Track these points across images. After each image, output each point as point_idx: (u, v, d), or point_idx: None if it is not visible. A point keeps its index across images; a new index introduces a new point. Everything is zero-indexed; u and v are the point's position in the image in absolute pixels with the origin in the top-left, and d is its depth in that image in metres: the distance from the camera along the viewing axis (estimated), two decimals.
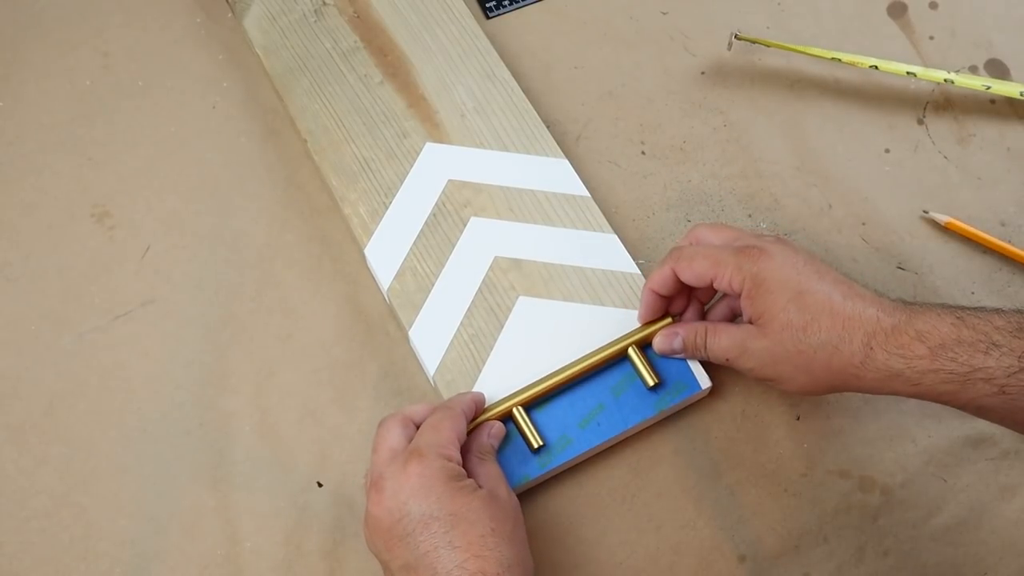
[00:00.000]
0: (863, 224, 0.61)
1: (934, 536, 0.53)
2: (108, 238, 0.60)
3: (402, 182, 0.59)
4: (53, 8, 0.67)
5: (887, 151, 0.64)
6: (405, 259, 0.57)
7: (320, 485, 0.54)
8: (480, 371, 0.54)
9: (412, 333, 0.55)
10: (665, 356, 0.53)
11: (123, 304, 0.58)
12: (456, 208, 0.58)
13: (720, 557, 0.52)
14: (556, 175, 0.59)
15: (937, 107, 0.65)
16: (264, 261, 0.60)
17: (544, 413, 0.53)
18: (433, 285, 0.56)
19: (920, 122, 0.65)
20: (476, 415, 0.51)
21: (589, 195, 0.59)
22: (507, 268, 0.56)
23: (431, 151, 0.59)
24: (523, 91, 0.62)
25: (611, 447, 0.54)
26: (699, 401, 0.56)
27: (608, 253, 0.57)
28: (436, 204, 0.58)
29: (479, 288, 0.56)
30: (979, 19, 0.68)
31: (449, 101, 0.61)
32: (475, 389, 0.53)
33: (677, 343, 0.52)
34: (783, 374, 0.49)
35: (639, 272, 0.57)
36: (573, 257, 0.57)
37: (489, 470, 0.49)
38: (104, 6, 0.67)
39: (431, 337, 0.55)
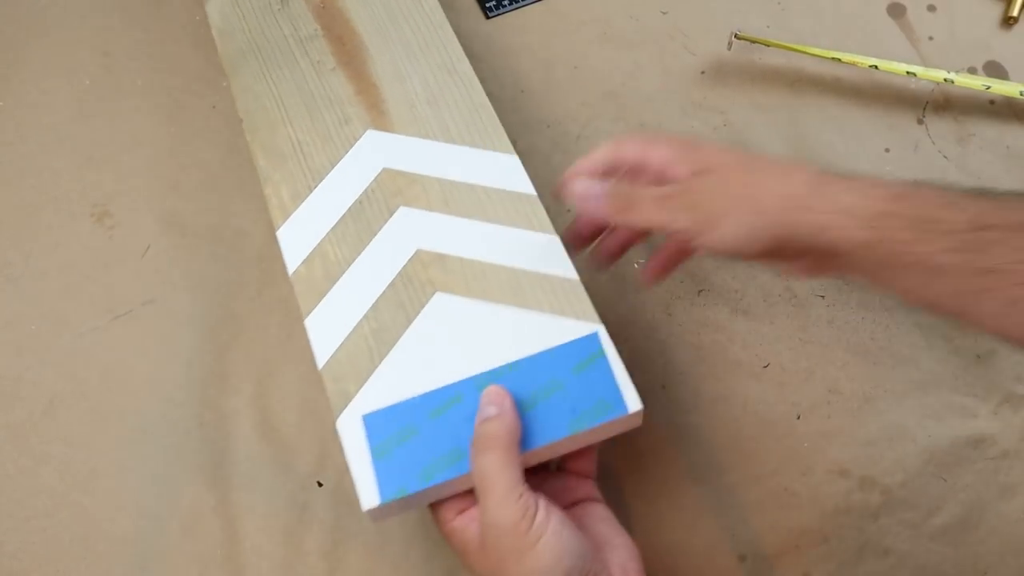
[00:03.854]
0: None
1: (934, 536, 0.53)
2: (108, 238, 0.60)
3: (333, 167, 0.55)
4: (53, 8, 0.67)
5: (887, 151, 0.64)
6: (319, 244, 0.52)
7: (320, 485, 0.54)
8: (375, 369, 0.48)
9: (308, 322, 0.50)
10: (581, 210, 0.47)
11: (123, 304, 0.58)
12: (385, 196, 0.54)
13: (720, 557, 0.52)
14: (502, 170, 0.54)
15: (937, 107, 0.65)
16: (264, 261, 0.60)
17: (443, 421, 0.47)
18: (343, 273, 0.51)
19: (920, 122, 0.65)
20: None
21: (535, 193, 0.53)
22: (429, 262, 0.51)
23: (371, 139, 0.56)
24: (520, 90, 0.62)
25: (611, 447, 0.54)
26: (699, 401, 0.56)
27: (547, 255, 0.51)
28: (365, 191, 0.54)
29: (393, 280, 0.51)
30: (977, 21, 0.68)
31: (401, 91, 0.58)
32: (365, 388, 0.47)
33: (597, 188, 0.46)
34: (726, 210, 0.42)
35: (577, 278, 0.50)
36: (505, 257, 0.51)
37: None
38: (104, 6, 0.68)
39: (329, 328, 0.50)
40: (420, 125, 0.57)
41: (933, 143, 0.64)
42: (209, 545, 0.52)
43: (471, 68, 0.59)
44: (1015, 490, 0.54)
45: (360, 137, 0.56)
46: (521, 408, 0.46)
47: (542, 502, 0.41)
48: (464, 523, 0.43)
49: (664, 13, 0.68)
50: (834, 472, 0.54)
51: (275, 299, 0.59)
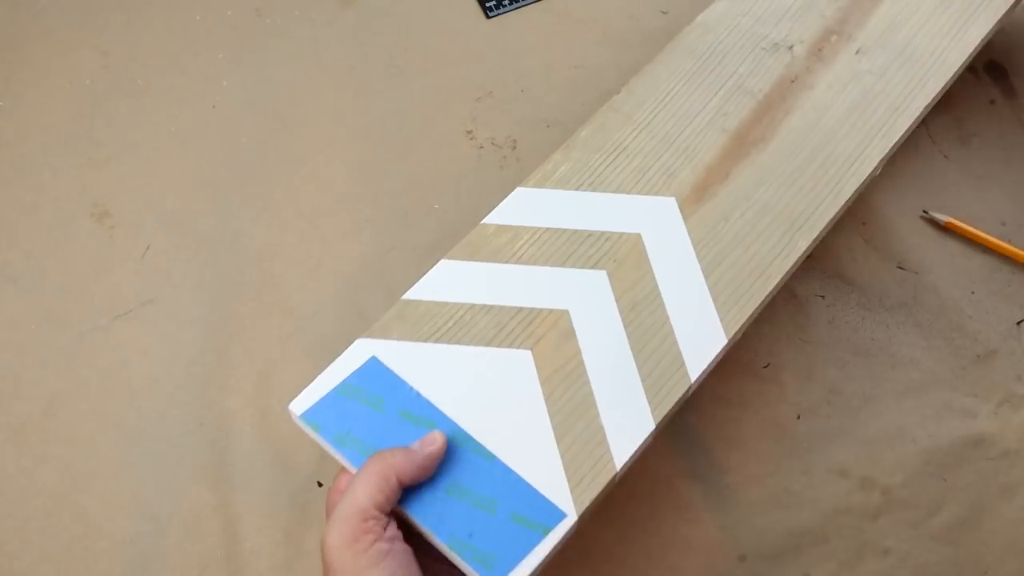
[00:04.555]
0: (863, 224, 0.61)
1: (934, 536, 0.53)
2: (108, 238, 0.60)
3: (617, 192, 0.52)
4: (53, 8, 0.67)
5: None
6: (524, 227, 0.51)
7: (320, 485, 0.54)
8: (423, 342, 0.47)
9: (443, 262, 0.50)
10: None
11: (123, 304, 0.58)
12: (605, 253, 0.50)
13: (720, 557, 0.52)
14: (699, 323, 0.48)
15: (937, 107, 0.65)
16: (264, 261, 0.60)
17: (400, 423, 0.47)
18: (503, 262, 0.50)
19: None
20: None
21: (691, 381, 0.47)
22: (557, 327, 0.48)
23: (658, 208, 0.52)
24: (520, 90, 0.62)
25: None
26: (699, 401, 0.56)
27: (630, 423, 0.47)
28: (603, 233, 0.51)
29: (521, 307, 0.49)
30: None
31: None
32: (400, 343, 0.47)
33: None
34: None
35: (617, 469, 0.45)
36: (604, 385, 0.47)
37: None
38: (104, 6, 0.68)
39: (442, 283, 0.49)
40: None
41: (933, 143, 0.64)
42: (209, 545, 0.52)
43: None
44: (1015, 490, 0.54)
45: (657, 190, 0.53)
46: (445, 485, 0.44)
47: (396, 548, 0.40)
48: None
49: (664, 13, 0.68)
50: (834, 472, 0.54)
51: (275, 299, 0.59)
